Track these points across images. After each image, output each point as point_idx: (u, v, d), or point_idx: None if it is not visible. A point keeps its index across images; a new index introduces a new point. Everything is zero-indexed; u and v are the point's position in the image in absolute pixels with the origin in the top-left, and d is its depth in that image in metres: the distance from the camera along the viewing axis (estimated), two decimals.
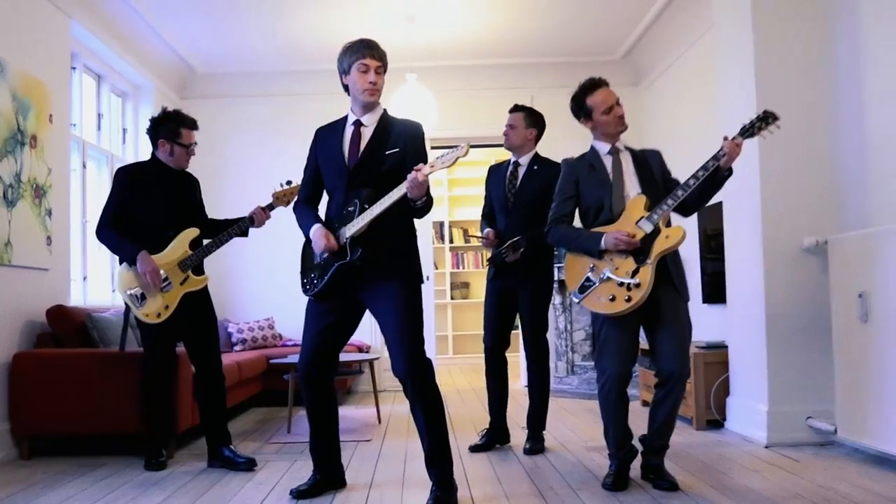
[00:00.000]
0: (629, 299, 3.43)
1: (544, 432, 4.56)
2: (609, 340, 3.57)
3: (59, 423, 4.38)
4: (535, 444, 4.43)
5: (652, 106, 7.49)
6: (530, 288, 4.43)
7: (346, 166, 3.32)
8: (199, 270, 4.21)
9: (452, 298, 10.91)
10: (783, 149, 4.41)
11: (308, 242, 3.43)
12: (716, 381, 4.96)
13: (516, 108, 4.59)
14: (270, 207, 4.34)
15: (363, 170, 3.30)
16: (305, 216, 3.45)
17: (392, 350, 3.24)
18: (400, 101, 6.29)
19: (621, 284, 3.45)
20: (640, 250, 3.45)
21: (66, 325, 4.65)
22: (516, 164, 4.54)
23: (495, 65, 7.64)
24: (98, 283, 6.05)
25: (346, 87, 3.40)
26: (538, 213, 4.31)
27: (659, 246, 3.45)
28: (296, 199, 3.58)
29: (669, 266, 3.51)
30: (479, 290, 11.07)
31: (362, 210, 3.22)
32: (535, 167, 4.48)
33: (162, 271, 4.04)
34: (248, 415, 6.17)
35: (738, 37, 4.71)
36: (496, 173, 4.63)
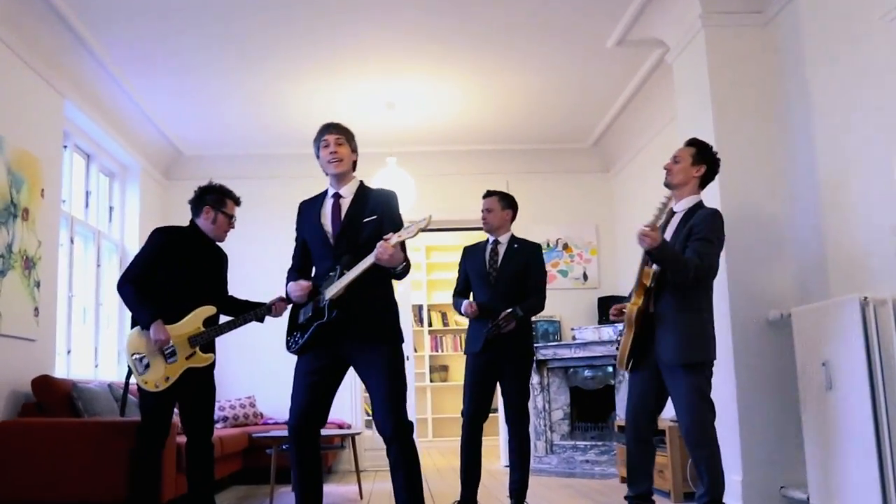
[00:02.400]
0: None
1: (526, 502, 4.61)
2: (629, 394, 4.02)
3: (43, 492, 4.34)
4: None
5: (621, 191, 7.81)
6: (515, 358, 4.54)
7: (329, 236, 3.52)
8: (207, 348, 4.20)
9: (431, 381, 10.94)
10: (746, 226, 4.65)
11: (295, 306, 3.59)
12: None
13: (490, 193, 4.80)
14: (289, 300, 4.44)
15: (344, 238, 3.49)
16: (288, 279, 3.65)
17: (378, 410, 3.37)
18: (380, 182, 6.51)
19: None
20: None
21: (52, 395, 4.68)
22: (496, 243, 4.72)
23: (471, 151, 7.96)
24: (82, 356, 6.08)
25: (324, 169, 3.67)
26: (519, 287, 4.56)
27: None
28: (287, 269, 3.73)
29: (656, 331, 3.79)
30: (457, 373, 11.11)
31: (342, 275, 3.39)
32: (516, 245, 4.67)
33: (171, 342, 4.05)
34: (229, 492, 6.13)
35: (699, 127, 5.01)
36: (473, 252, 4.80)
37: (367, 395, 3.54)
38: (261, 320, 4.32)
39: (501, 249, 4.68)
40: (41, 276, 5.07)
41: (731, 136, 4.77)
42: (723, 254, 4.65)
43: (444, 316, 11.24)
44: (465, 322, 11.23)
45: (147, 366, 4.04)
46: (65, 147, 5.85)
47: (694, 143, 3.98)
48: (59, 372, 5.52)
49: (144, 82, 6.05)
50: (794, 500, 4.38)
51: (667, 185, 3.93)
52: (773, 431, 4.49)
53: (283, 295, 3.77)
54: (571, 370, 7.41)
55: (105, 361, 6.44)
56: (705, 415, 3.70)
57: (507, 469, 4.60)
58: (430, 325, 11.17)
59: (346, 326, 3.38)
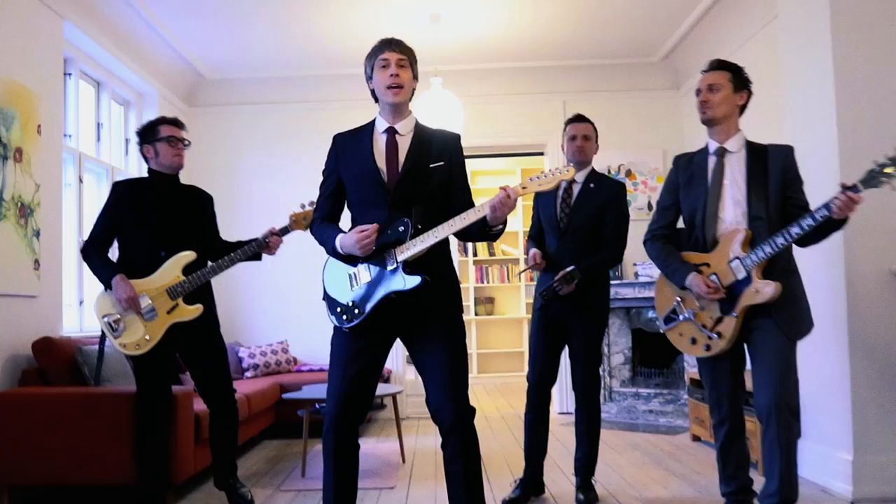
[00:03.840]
0: (708, 348, 3.14)
1: (593, 479, 4.03)
2: (706, 381, 3.29)
3: (43, 472, 3.86)
4: (589, 494, 3.90)
5: (693, 112, 6.89)
6: (585, 317, 3.90)
7: (385, 180, 2.84)
8: (193, 299, 3.74)
9: (477, 314, 10.36)
10: (867, 162, 3.84)
11: (332, 262, 2.93)
12: None
13: (585, 118, 4.03)
14: (285, 231, 3.92)
15: (407, 184, 2.83)
16: (327, 229, 2.94)
17: (437, 394, 2.79)
18: (424, 106, 5.78)
19: (701, 331, 3.14)
20: (727, 297, 3.04)
21: (54, 360, 4.15)
22: (571, 181, 3.98)
23: (524, 68, 7.10)
24: None
25: (374, 96, 2.96)
26: (593, 237, 3.88)
27: (747, 299, 3.02)
28: (311, 218, 3.05)
29: (774, 304, 3.01)
30: (504, 305, 10.53)
31: (416, 231, 2.74)
32: (592, 185, 3.93)
33: (146, 298, 3.64)
34: (259, 450, 5.65)
35: (811, 28, 4.14)
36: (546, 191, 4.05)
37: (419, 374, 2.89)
38: (256, 258, 3.89)
39: (576, 189, 3.95)
40: (41, 224, 4.48)
41: (854, 56, 3.92)
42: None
43: (489, 245, 10.56)
44: (511, 251, 10.62)
45: (122, 327, 3.63)
46: (68, 75, 5.20)
47: (724, 65, 3.21)
48: (70, 328, 5.01)
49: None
50: None
51: (707, 121, 3.17)
52: (893, 404, 3.79)
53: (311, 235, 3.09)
54: (634, 310, 6.74)
55: None
56: (794, 395, 3.09)
57: (575, 432, 4.01)
58: (475, 254, 10.51)
59: (416, 297, 2.76)
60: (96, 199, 5.65)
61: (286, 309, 6.95)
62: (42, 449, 3.85)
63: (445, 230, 2.74)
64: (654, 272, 6.43)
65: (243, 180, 7.07)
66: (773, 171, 3.04)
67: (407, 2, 5.55)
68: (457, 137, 2.98)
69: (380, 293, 2.77)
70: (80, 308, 5.21)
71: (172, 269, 3.71)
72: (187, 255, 3.74)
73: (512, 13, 5.87)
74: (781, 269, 3.03)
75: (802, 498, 3.89)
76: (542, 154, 7.57)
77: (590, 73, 7.15)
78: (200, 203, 3.99)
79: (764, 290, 2.96)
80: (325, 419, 2.85)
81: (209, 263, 3.81)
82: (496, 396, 8.65)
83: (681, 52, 6.73)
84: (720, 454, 3.29)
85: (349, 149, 2.95)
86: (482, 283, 10.56)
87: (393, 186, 2.82)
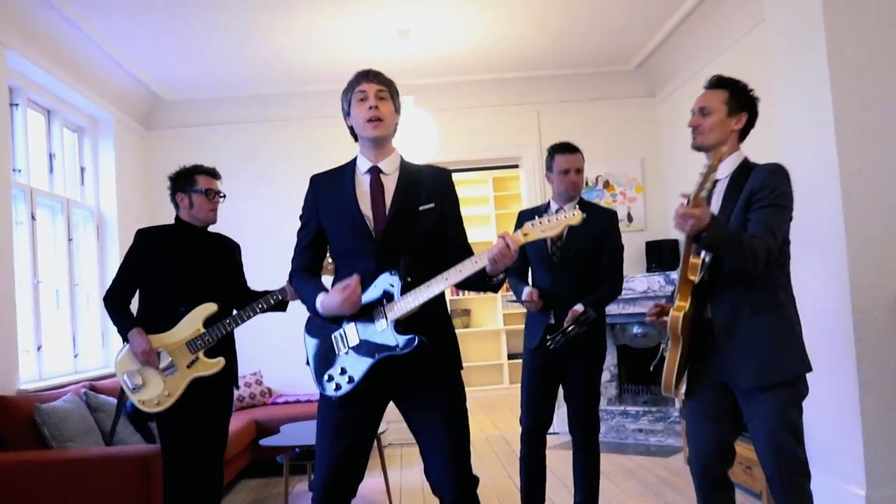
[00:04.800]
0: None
1: None
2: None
3: None
4: None
5: (670, 118, 6.75)
6: (584, 356, 3.66)
7: (371, 227, 2.57)
8: (214, 353, 3.56)
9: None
10: (869, 180, 3.68)
11: (315, 322, 2.65)
12: None
13: (576, 148, 3.75)
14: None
15: (396, 231, 2.56)
16: (307, 284, 2.65)
17: (437, 467, 2.55)
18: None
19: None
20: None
21: (10, 420, 3.83)
22: (560, 212, 3.70)
23: (497, 79, 6.87)
24: (57, 349, 5.22)
25: (353, 134, 2.70)
26: (588, 271, 3.64)
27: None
28: (291, 269, 2.78)
29: (718, 342, 2.73)
30: (480, 317, 10.31)
31: (406, 284, 2.48)
32: (584, 214, 3.62)
33: (165, 353, 3.49)
34: (237, 493, 5.36)
35: (802, 32, 3.96)
36: (531, 219, 3.75)
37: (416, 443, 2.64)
38: (280, 308, 3.70)
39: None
40: None
41: (850, 59, 3.74)
42: (838, 208, 3.72)
43: None
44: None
45: (140, 383, 3.48)
46: (14, 106, 4.85)
47: (722, 82, 2.83)
48: (28, 377, 4.67)
49: (105, 22, 4.99)
50: None
51: (697, 147, 2.83)
52: None
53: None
54: (619, 326, 6.55)
55: (86, 349, 5.59)
56: (796, 453, 2.64)
57: (573, 478, 3.79)
58: None
59: (410, 358, 2.50)
60: (52, 235, 5.31)
61: (258, 338, 6.60)
62: None
63: (440, 284, 2.49)
64: (638, 286, 6.25)
65: None
66: (743, 193, 2.69)
67: (374, 18, 5.28)
68: (447, 175, 2.73)
69: (371, 357, 2.51)
70: (39, 354, 4.87)
71: (193, 322, 3.55)
72: (208, 308, 3.57)
73: (483, 25, 5.63)
74: (763, 303, 2.67)
75: None
76: (516, 167, 7.36)
77: (564, 82, 6.94)
78: (227, 253, 3.85)
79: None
80: (314, 494, 2.59)
81: (234, 312, 3.64)
82: (478, 413, 8.41)
83: (656, 59, 6.55)
84: None
85: (328, 192, 2.67)
86: (458, 295, 10.32)
87: (380, 234, 2.56)
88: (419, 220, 2.59)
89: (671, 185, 6.82)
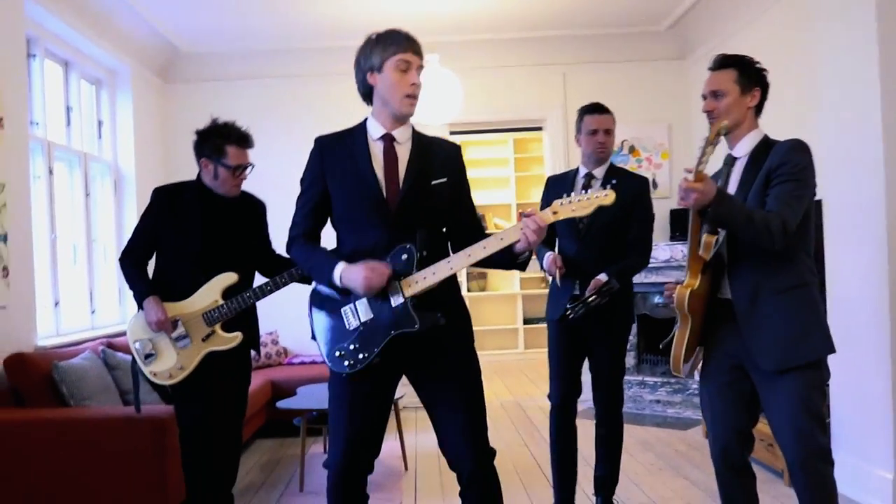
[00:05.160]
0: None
1: (615, 500, 3.77)
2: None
3: None
4: None
5: (699, 82, 6.51)
6: (610, 328, 3.56)
7: (384, 197, 2.46)
8: (232, 326, 3.37)
9: (469, 290, 10.05)
10: None
11: (321, 295, 2.55)
12: None
13: (606, 108, 3.58)
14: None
15: (410, 203, 2.46)
16: (316, 253, 2.53)
17: (453, 442, 2.48)
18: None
19: None
20: None
21: (29, 378, 3.80)
22: (590, 177, 3.60)
23: (522, 38, 6.69)
24: (74, 305, 5.19)
25: (367, 90, 2.54)
26: (616, 239, 3.49)
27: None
28: (290, 236, 2.65)
29: (740, 322, 2.64)
30: (497, 281, 10.22)
31: (421, 259, 2.39)
32: (614, 181, 3.42)
33: (180, 323, 3.32)
34: (252, 454, 5.35)
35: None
36: (559, 186, 3.58)
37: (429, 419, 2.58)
38: (305, 281, 3.37)
39: (596, 185, 3.51)
40: (9, 225, 4.08)
41: None
42: (879, 168, 3.59)
43: (482, 218, 10.21)
44: (503, 223, 10.26)
45: (152, 354, 3.29)
46: (32, 56, 4.75)
47: (729, 61, 2.71)
48: (46, 332, 4.64)
49: None
50: None
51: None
52: None
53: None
54: (639, 295, 6.45)
55: (103, 306, 5.56)
56: (818, 439, 2.54)
57: (595, 449, 3.73)
58: None
59: (426, 333, 2.42)
60: (69, 189, 5.24)
61: (275, 298, 6.55)
62: (18, 485, 3.51)
63: (463, 261, 2.41)
64: (661, 255, 6.15)
65: None
66: (761, 173, 2.61)
67: None
68: (458, 150, 2.65)
69: (385, 334, 2.42)
70: (56, 310, 4.83)
71: (211, 293, 3.34)
72: (228, 277, 3.36)
73: None
74: (786, 282, 2.57)
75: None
76: (540, 129, 7.22)
77: (591, 42, 6.75)
78: (251, 213, 3.59)
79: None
80: (329, 472, 2.52)
81: (253, 286, 3.44)
82: (492, 378, 8.37)
83: (689, 20, 6.34)
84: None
85: (338, 155, 2.53)
86: None
87: (395, 204, 2.45)
88: (432, 193, 2.49)
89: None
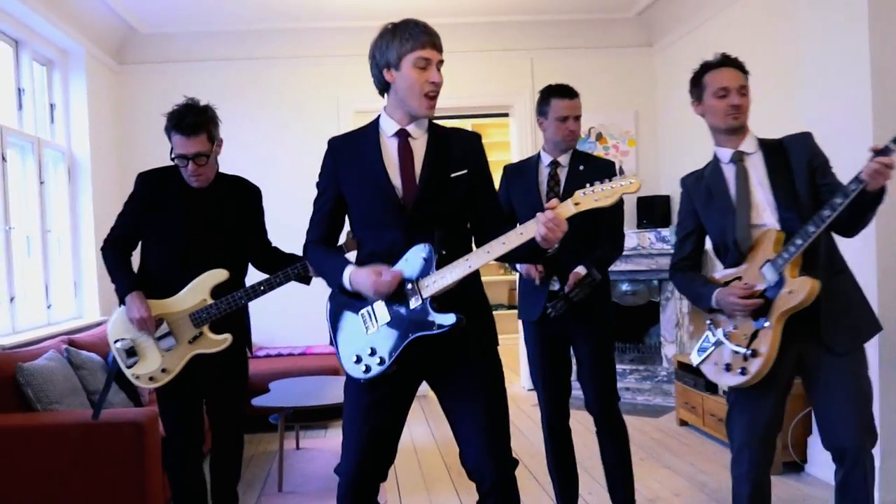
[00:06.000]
0: (744, 371, 2.65)
1: None
2: (734, 420, 2.78)
3: None
4: None
5: (667, 71, 6.57)
6: (592, 324, 3.29)
7: (400, 196, 2.35)
8: (221, 327, 3.16)
9: None
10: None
11: (339, 298, 2.43)
12: (796, 415, 4.14)
13: (575, 92, 3.36)
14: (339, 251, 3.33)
15: (427, 201, 2.35)
16: (328, 257, 2.45)
17: (475, 451, 2.36)
18: None
19: (736, 353, 2.67)
20: (763, 307, 2.61)
21: None
22: (555, 165, 3.34)
23: (489, 23, 6.57)
24: (30, 300, 4.91)
25: (384, 86, 2.41)
26: (589, 229, 3.18)
27: (781, 304, 2.57)
28: (305, 241, 2.56)
29: (822, 311, 2.59)
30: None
31: (441, 258, 2.28)
32: (581, 167, 3.27)
33: (165, 324, 3.11)
34: None
35: None
36: (520, 177, 3.41)
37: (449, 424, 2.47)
38: (303, 280, 3.22)
39: (563, 174, 3.30)
40: None
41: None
42: None
43: None
44: None
45: (135, 355, 3.12)
46: None
47: (740, 64, 2.74)
48: (2, 328, 4.38)
49: None
50: None
51: (735, 129, 2.71)
52: None
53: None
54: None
55: (59, 301, 5.28)
56: (872, 416, 2.65)
57: (604, 469, 3.48)
58: None
59: (446, 335, 2.30)
60: (22, 177, 4.95)
61: None
62: None
63: (482, 258, 2.30)
64: (629, 243, 6.13)
65: None
66: (796, 161, 2.65)
67: None
68: (478, 138, 2.54)
69: (404, 337, 2.30)
70: (12, 306, 4.56)
71: (199, 291, 3.12)
72: (218, 274, 3.13)
73: None
74: (824, 267, 2.62)
75: (814, 499, 3.73)
76: (506, 115, 7.12)
77: (559, 28, 6.67)
78: (243, 200, 3.32)
79: (798, 288, 2.52)
80: (341, 479, 2.41)
81: (245, 282, 3.24)
82: None
83: (657, 8, 6.31)
84: (737, 497, 2.78)
85: (350, 157, 2.44)
86: None
87: (410, 203, 2.35)
88: (451, 188, 2.39)
89: (665, 139, 6.67)
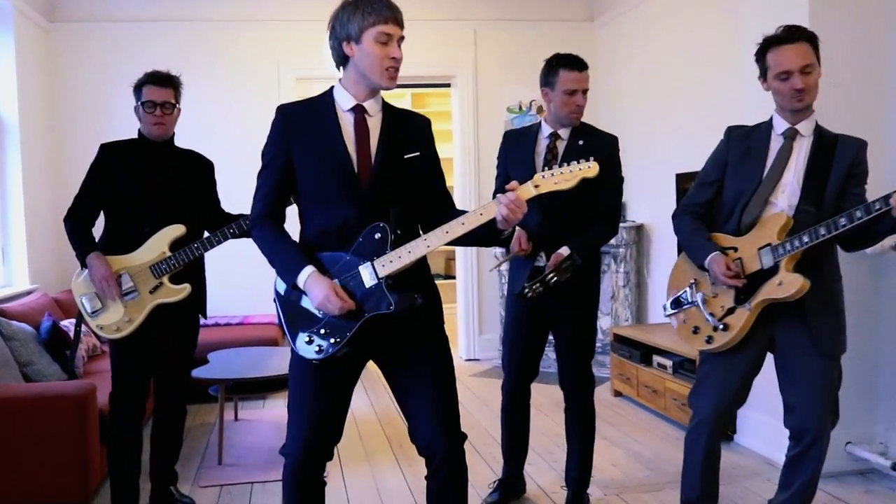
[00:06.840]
0: (709, 340, 2.78)
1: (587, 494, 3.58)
2: (708, 376, 2.88)
3: None
4: None
5: (606, 46, 6.64)
6: (575, 304, 3.31)
7: (356, 172, 2.33)
8: (180, 278, 3.35)
9: None
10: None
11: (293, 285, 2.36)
12: None
13: (586, 65, 3.26)
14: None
15: (383, 179, 2.34)
16: (284, 248, 2.37)
17: (426, 427, 2.39)
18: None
19: (708, 321, 2.78)
20: (747, 287, 2.70)
21: None
22: (555, 137, 3.28)
23: None
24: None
25: (342, 60, 2.36)
26: (585, 208, 3.20)
27: (767, 291, 2.67)
28: (252, 216, 2.49)
29: (808, 307, 2.68)
30: None
31: (396, 238, 2.28)
32: (581, 142, 3.21)
33: (127, 276, 3.29)
34: None
35: None
36: (520, 144, 3.34)
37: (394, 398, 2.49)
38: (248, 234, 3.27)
39: (561, 147, 3.25)
40: None
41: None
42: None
43: None
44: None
45: (100, 307, 3.30)
46: None
47: (807, 35, 2.67)
48: None
49: None
50: (863, 461, 3.74)
51: (800, 110, 2.70)
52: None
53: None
54: None
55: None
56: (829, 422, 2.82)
57: (566, 436, 3.55)
58: None
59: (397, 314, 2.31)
60: None
61: None
62: None
63: (440, 238, 2.30)
64: None
65: (116, 111, 5.90)
66: (839, 161, 2.67)
67: None
68: (428, 122, 2.54)
69: (359, 317, 2.29)
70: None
71: (158, 245, 3.32)
72: (175, 229, 3.34)
73: None
74: (825, 273, 2.71)
75: (741, 467, 4.00)
76: (448, 86, 7.09)
77: (503, 0, 6.67)
78: (198, 171, 3.56)
79: (789, 283, 2.61)
80: (286, 461, 2.41)
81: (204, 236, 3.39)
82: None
83: None
84: (691, 464, 2.90)
85: (306, 127, 2.37)
86: None
87: (366, 181, 2.32)
88: (404, 168, 2.38)
89: (603, 115, 6.73)
